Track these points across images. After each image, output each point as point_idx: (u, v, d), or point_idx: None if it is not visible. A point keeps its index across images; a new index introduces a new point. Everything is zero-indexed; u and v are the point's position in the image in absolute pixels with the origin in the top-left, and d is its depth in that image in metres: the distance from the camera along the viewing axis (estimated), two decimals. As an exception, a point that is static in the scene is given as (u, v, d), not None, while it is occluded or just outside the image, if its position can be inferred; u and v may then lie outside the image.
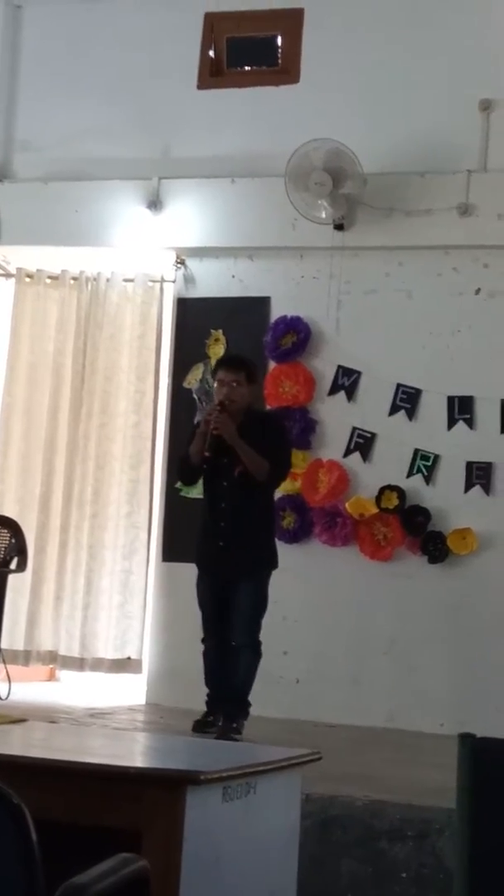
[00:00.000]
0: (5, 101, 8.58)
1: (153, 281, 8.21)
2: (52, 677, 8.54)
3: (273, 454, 6.21)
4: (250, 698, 6.23)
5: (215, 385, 6.36)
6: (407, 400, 7.52)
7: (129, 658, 7.93)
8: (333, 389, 7.68)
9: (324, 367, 7.71)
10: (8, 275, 8.56)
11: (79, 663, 8.00)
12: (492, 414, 7.36)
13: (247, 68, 8.30)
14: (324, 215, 7.57)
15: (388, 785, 5.01)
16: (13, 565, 7.00)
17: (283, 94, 8.00)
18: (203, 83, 8.22)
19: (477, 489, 7.35)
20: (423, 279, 7.61)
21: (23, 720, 3.73)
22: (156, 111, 8.23)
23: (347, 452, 7.60)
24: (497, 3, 7.67)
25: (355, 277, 7.71)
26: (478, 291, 7.52)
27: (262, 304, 7.88)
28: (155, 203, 8.03)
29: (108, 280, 8.28)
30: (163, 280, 8.18)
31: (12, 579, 7.06)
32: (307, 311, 7.74)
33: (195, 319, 8.00)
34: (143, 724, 6.82)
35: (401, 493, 7.44)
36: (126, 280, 8.26)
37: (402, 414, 7.53)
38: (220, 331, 7.93)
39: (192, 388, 7.95)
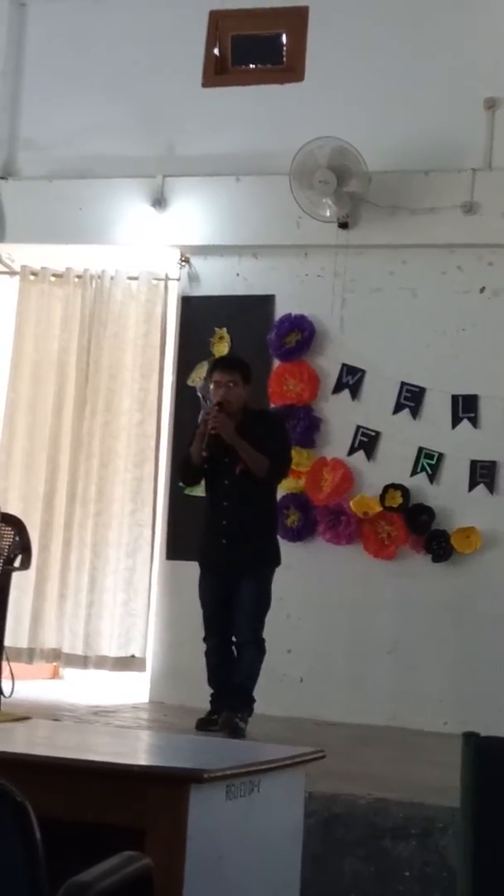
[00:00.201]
0: (9, 98, 8.58)
1: (157, 279, 8.21)
2: (55, 675, 8.55)
3: (273, 451, 6.25)
4: (255, 695, 6.23)
5: (211, 386, 6.38)
6: (411, 398, 7.52)
7: (132, 656, 7.93)
8: (338, 388, 7.68)
9: (328, 365, 7.71)
10: (12, 272, 8.56)
11: (82, 661, 8.00)
12: (496, 413, 7.36)
13: (251, 66, 8.29)
14: (328, 213, 7.57)
15: (392, 783, 5.00)
16: (17, 563, 6.99)
17: (288, 92, 8.00)
18: (208, 81, 8.21)
19: (481, 488, 7.35)
20: (428, 277, 7.60)
21: (26, 718, 3.74)
22: (160, 109, 8.23)
23: (351, 451, 7.60)
24: (502, 2, 7.65)
25: (360, 276, 7.71)
26: (482, 290, 7.52)
27: (266, 302, 7.87)
28: (159, 201, 8.03)
29: (112, 278, 8.28)
30: (167, 278, 8.18)
31: (16, 577, 7.05)
32: (311, 310, 7.74)
33: (199, 317, 8.00)
34: (146, 722, 6.82)
35: (405, 491, 7.44)
36: (130, 278, 8.26)
37: (406, 412, 7.53)
38: (225, 329, 7.93)
39: (196, 386, 7.94)
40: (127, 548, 8.00)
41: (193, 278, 8.08)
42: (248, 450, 6.14)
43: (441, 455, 7.45)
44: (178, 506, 7.80)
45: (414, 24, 7.79)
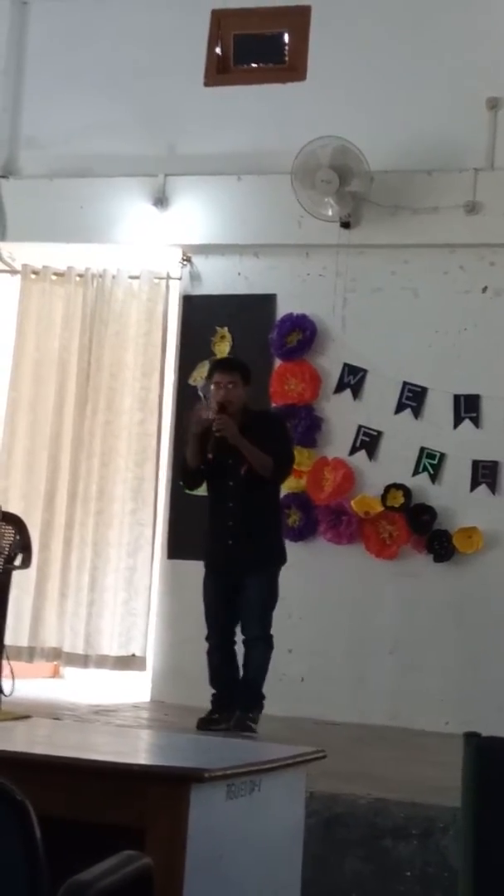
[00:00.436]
0: (11, 97, 8.57)
1: (159, 278, 8.21)
2: (56, 674, 8.54)
3: (276, 450, 6.28)
4: (264, 691, 6.26)
5: (212, 388, 6.38)
6: (413, 398, 7.51)
7: (133, 655, 7.93)
8: (339, 387, 7.67)
9: (329, 364, 7.70)
10: (13, 271, 8.56)
11: (83, 660, 8.00)
12: (498, 412, 7.35)
13: (254, 65, 8.29)
14: (330, 213, 7.56)
15: (393, 783, 5.00)
16: (18, 562, 6.99)
17: (290, 92, 7.99)
18: (210, 80, 8.21)
19: (483, 488, 7.35)
20: (430, 277, 7.60)
21: (27, 717, 3.74)
22: (162, 108, 8.22)
23: (353, 450, 7.59)
24: (504, 0, 7.66)
25: (361, 275, 7.70)
26: (484, 290, 7.52)
27: (267, 301, 7.87)
28: (161, 200, 8.03)
29: (113, 277, 8.28)
30: (168, 277, 8.18)
31: (17, 576, 7.05)
32: (313, 309, 7.73)
33: (201, 317, 8.00)
34: (147, 721, 6.82)
35: (406, 491, 7.44)
36: (132, 277, 8.26)
37: (407, 412, 7.52)
38: (226, 328, 7.92)
39: (197, 385, 7.94)
40: (128, 547, 8.00)
41: (195, 277, 8.07)
42: (253, 450, 6.17)
43: (443, 455, 7.44)
44: (179, 505, 7.79)
45: (416, 24, 7.78)
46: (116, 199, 8.13)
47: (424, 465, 7.46)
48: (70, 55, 8.48)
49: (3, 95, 8.55)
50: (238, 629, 6.36)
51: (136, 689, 7.91)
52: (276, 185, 7.63)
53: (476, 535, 7.31)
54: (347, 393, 7.66)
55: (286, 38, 8.18)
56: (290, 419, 7.45)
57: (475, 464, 7.37)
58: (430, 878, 4.35)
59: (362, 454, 7.58)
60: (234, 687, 6.33)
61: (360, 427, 7.60)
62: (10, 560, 6.96)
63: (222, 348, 7.87)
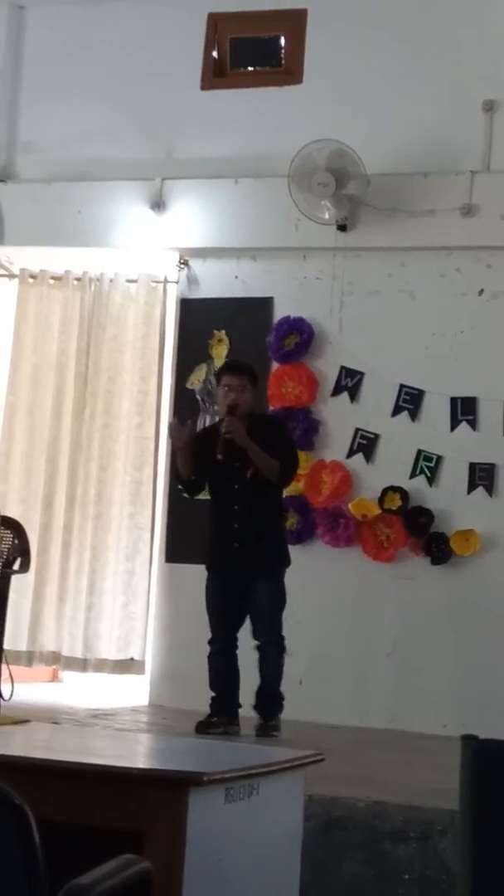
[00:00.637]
0: (8, 101, 8.58)
1: (156, 281, 8.21)
2: (54, 678, 8.54)
3: (282, 455, 6.33)
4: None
5: (221, 390, 6.40)
6: (410, 401, 7.51)
7: (131, 659, 7.93)
8: (336, 390, 7.68)
9: (327, 367, 7.71)
10: (11, 275, 8.56)
11: (82, 664, 8.00)
12: (495, 415, 7.35)
13: (250, 69, 8.30)
14: (327, 216, 7.57)
15: (391, 786, 5.00)
16: (16, 566, 6.99)
17: (287, 95, 8.00)
18: (206, 84, 8.21)
19: (480, 490, 7.35)
20: (426, 280, 7.60)
21: (25, 721, 3.73)
22: (159, 112, 8.23)
23: (350, 453, 7.60)
24: (501, 4, 7.66)
25: (358, 278, 7.71)
26: (481, 292, 7.52)
27: (265, 304, 7.87)
28: (158, 204, 8.04)
29: (111, 281, 8.28)
30: (166, 281, 8.18)
31: (15, 580, 7.05)
32: (310, 312, 7.74)
33: (198, 320, 8.00)
34: (145, 725, 6.82)
35: (404, 494, 7.44)
36: (129, 281, 8.26)
37: (405, 415, 7.53)
38: (224, 331, 7.93)
39: (195, 388, 7.95)
40: (126, 550, 8.00)
41: (192, 281, 8.08)
42: (260, 454, 6.21)
43: (440, 457, 7.45)
44: (178, 508, 7.79)
45: (412, 27, 7.79)
46: (114, 202, 8.14)
47: (421, 467, 7.46)
48: (67, 59, 8.48)
49: (0, 100, 8.56)
50: (245, 633, 6.38)
51: (134, 692, 7.91)
52: (273, 189, 7.64)
53: (473, 538, 7.31)
54: (344, 396, 7.66)
55: (282, 41, 8.19)
56: (288, 422, 7.45)
57: (472, 466, 7.37)
58: (428, 880, 4.35)
59: (359, 457, 7.59)
60: (233, 690, 6.34)
61: (357, 430, 7.60)
62: (8, 564, 6.96)
63: (220, 351, 7.88)
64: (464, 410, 7.42)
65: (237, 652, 6.38)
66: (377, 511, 7.46)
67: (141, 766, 3.22)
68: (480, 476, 7.35)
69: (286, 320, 7.77)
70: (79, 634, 7.97)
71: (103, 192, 8.15)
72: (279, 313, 7.82)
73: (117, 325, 8.25)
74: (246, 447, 6.19)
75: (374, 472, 7.55)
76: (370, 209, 7.59)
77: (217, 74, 8.25)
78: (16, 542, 7.03)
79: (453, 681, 7.20)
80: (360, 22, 7.92)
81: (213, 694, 6.34)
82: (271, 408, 7.66)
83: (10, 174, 8.52)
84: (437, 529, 7.39)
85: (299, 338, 7.73)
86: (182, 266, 8.08)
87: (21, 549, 7.04)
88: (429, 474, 7.45)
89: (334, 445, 7.64)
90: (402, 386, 7.53)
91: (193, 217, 8.00)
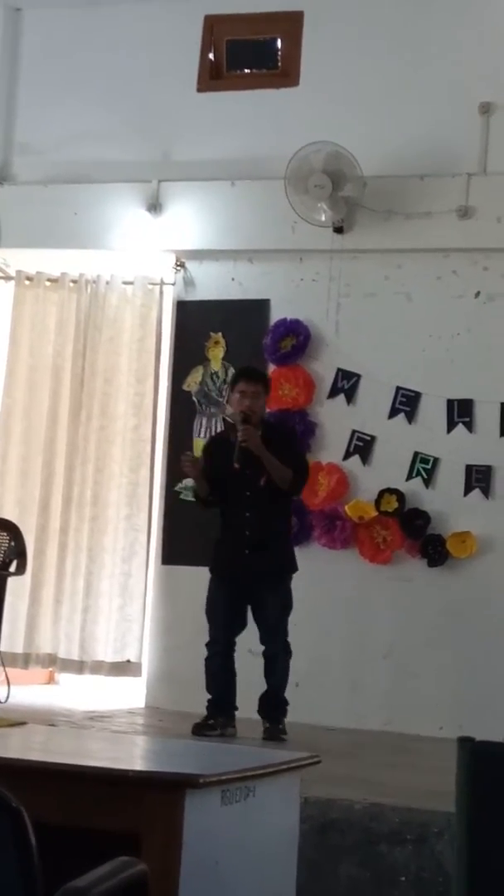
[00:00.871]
0: (5, 103, 8.58)
1: (153, 284, 8.21)
2: (51, 680, 8.54)
3: (294, 462, 6.37)
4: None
5: (236, 396, 6.40)
6: (406, 403, 7.52)
7: (128, 661, 7.93)
8: (333, 392, 7.68)
9: (323, 369, 7.71)
10: (7, 277, 8.56)
11: (78, 666, 7.99)
12: (491, 417, 7.36)
13: (246, 71, 8.30)
14: (323, 218, 7.57)
15: (387, 788, 5.00)
16: (12, 568, 6.99)
17: (283, 97, 8.00)
18: (203, 86, 8.22)
19: (476, 492, 7.35)
20: (423, 282, 7.61)
21: (22, 723, 3.73)
22: (155, 114, 8.23)
23: (347, 455, 7.60)
24: (497, 6, 7.67)
25: (355, 280, 7.71)
26: (477, 294, 7.53)
27: (261, 306, 7.88)
28: (154, 206, 8.04)
29: (107, 283, 8.28)
30: (162, 283, 8.18)
31: (11, 582, 7.06)
32: (307, 314, 7.74)
33: (195, 322, 8.00)
34: (142, 727, 6.81)
35: (400, 496, 7.44)
36: (125, 283, 8.26)
37: (401, 417, 7.53)
38: (220, 333, 7.93)
39: (191, 391, 7.95)
40: (122, 552, 8.00)
41: (189, 283, 8.08)
42: (274, 462, 6.23)
43: (436, 459, 7.45)
44: (174, 511, 7.80)
45: (408, 30, 7.79)
46: (110, 204, 8.14)
47: (418, 469, 7.46)
48: (63, 62, 8.49)
49: (-4, 102, 8.57)
50: (241, 637, 6.38)
51: (131, 694, 7.90)
52: (270, 191, 7.64)
53: (470, 540, 7.31)
54: (341, 398, 7.66)
55: (279, 43, 8.20)
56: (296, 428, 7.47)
57: (468, 468, 7.37)
58: (424, 883, 4.35)
59: (356, 459, 7.59)
60: (230, 692, 6.34)
61: (353, 432, 7.60)
62: (4, 566, 6.96)
63: (216, 354, 7.88)
64: (460, 412, 7.43)
65: (234, 656, 6.38)
66: (374, 513, 7.46)
67: (137, 768, 3.22)
68: (477, 478, 7.35)
69: (283, 322, 7.78)
70: (75, 636, 7.97)
71: (100, 194, 8.15)
72: (276, 315, 7.82)
73: (114, 327, 8.25)
74: (261, 455, 6.22)
75: (371, 474, 7.55)
76: (367, 211, 7.59)
77: (213, 77, 8.25)
78: (12, 544, 7.03)
79: (450, 683, 7.20)
80: (356, 24, 7.92)
81: (210, 696, 6.34)
82: (268, 410, 7.65)
83: (6, 176, 8.53)
84: (434, 531, 7.39)
85: (296, 340, 7.73)
86: (178, 268, 8.08)
87: (17, 552, 7.05)
88: (425, 476, 7.45)
89: (331, 447, 7.64)
90: (398, 388, 7.53)
91: (190, 219, 8.00)
